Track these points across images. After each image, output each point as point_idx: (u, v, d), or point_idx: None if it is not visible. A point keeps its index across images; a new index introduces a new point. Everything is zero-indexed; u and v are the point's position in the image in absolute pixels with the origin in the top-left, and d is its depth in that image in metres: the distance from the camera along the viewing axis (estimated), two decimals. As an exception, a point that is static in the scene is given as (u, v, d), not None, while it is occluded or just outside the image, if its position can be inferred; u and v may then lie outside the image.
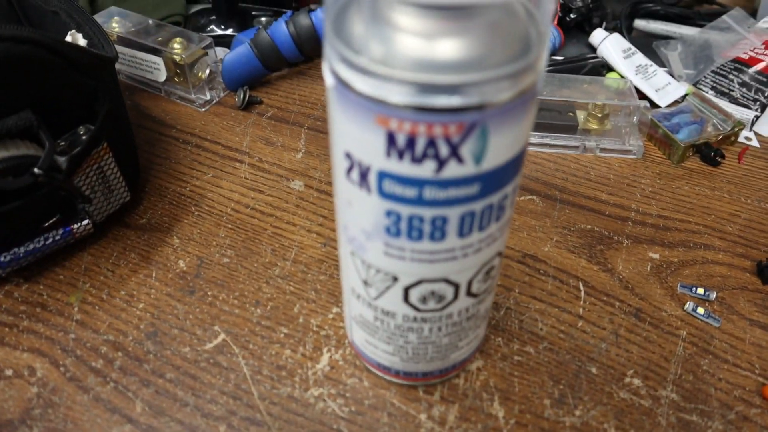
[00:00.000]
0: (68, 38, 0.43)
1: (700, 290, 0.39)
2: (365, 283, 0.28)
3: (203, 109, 0.54)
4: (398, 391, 0.34)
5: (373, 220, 0.25)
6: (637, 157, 0.50)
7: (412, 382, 0.34)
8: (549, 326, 0.38)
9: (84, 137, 0.39)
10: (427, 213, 0.24)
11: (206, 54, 0.53)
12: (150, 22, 0.56)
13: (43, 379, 0.35)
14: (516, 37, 0.21)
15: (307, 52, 0.54)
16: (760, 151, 0.51)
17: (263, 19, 0.63)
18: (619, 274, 0.41)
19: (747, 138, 0.52)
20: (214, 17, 0.61)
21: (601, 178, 0.48)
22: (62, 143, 0.39)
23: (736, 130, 0.50)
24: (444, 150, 0.21)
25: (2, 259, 0.38)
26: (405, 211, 0.24)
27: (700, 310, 0.38)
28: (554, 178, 0.48)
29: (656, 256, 0.42)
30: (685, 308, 0.39)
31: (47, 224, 0.40)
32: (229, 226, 0.44)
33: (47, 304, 0.39)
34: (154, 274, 0.41)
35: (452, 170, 0.22)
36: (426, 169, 0.22)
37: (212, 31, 0.61)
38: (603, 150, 0.49)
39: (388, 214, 0.24)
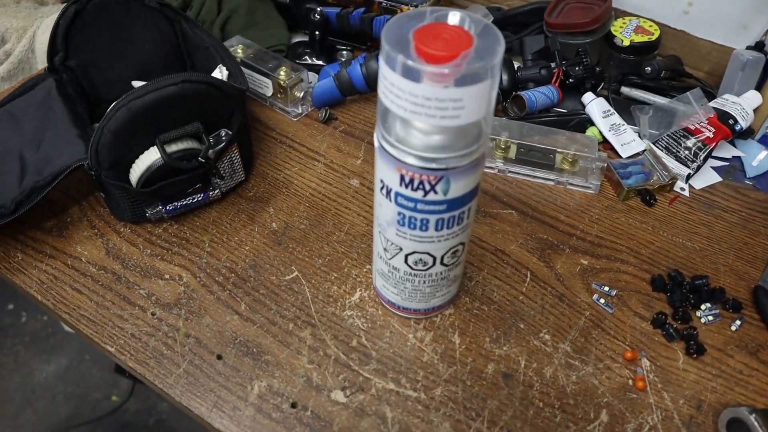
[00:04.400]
0: (216, 70, 0.66)
1: (606, 288, 0.60)
2: (385, 249, 0.50)
3: (295, 119, 0.77)
4: (398, 320, 0.56)
5: (391, 216, 0.47)
6: (594, 192, 0.69)
7: (407, 315, 0.56)
8: (500, 296, 0.59)
9: (224, 138, 0.62)
10: (418, 215, 0.45)
11: (302, 81, 0.76)
12: (263, 49, 0.79)
13: (187, 282, 0.59)
14: (468, 136, 0.42)
15: (373, 86, 0.76)
16: (687, 199, 0.70)
17: (344, 52, 0.85)
18: (556, 270, 0.61)
19: (681, 188, 0.70)
20: (308, 50, 0.83)
21: (564, 204, 0.68)
22: (211, 140, 0.61)
23: (671, 182, 0.69)
24: (427, 186, 0.43)
25: (168, 207, 0.61)
26: (407, 213, 0.45)
27: (602, 300, 0.59)
28: (530, 199, 0.68)
29: (585, 262, 0.62)
30: (593, 298, 0.59)
31: (192, 189, 0.63)
32: (307, 204, 0.66)
33: (189, 239, 0.63)
34: (256, 230, 0.64)
35: (431, 196, 0.43)
36: (418, 194, 0.43)
37: (306, 60, 0.83)
38: (570, 184, 0.69)
39: (399, 213, 0.46)
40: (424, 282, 0.51)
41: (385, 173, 0.44)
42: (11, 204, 0.57)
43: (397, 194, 0.44)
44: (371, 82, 0.75)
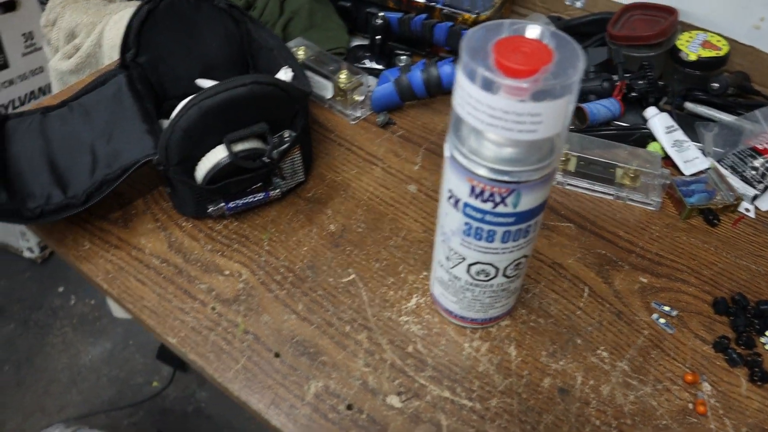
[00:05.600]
0: (281, 72, 0.67)
1: (667, 308, 0.58)
2: (447, 258, 0.50)
3: (353, 122, 0.77)
4: (454, 328, 0.56)
5: (457, 225, 0.47)
6: (655, 209, 0.68)
7: (464, 324, 0.56)
8: (557, 310, 0.58)
9: (287, 139, 0.63)
10: (485, 227, 0.45)
11: (361, 84, 0.76)
12: (324, 51, 0.79)
13: (246, 279, 0.60)
14: (542, 150, 0.42)
15: (433, 93, 0.76)
16: (753, 221, 0.68)
17: (403, 58, 0.85)
18: (615, 287, 0.60)
19: (746, 209, 0.68)
20: (368, 54, 0.84)
21: (624, 220, 0.67)
22: (275, 140, 0.62)
23: (735, 202, 0.67)
24: (498, 198, 0.43)
25: (230, 205, 0.63)
26: (474, 224, 0.45)
27: (662, 320, 0.57)
28: (590, 213, 0.67)
29: (645, 280, 0.61)
30: (652, 317, 0.58)
31: (254, 188, 0.64)
32: (364, 208, 0.67)
33: (249, 236, 0.64)
34: (314, 231, 0.64)
35: (501, 209, 0.43)
36: (488, 206, 0.43)
37: (365, 64, 0.83)
38: (630, 200, 0.68)
39: (466, 224, 0.46)
40: (485, 292, 0.51)
41: (455, 183, 0.44)
42: (82, 195, 0.59)
43: (465, 204, 0.44)
44: (431, 88, 0.75)
